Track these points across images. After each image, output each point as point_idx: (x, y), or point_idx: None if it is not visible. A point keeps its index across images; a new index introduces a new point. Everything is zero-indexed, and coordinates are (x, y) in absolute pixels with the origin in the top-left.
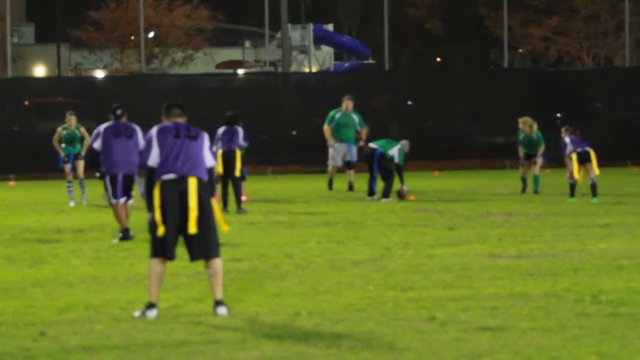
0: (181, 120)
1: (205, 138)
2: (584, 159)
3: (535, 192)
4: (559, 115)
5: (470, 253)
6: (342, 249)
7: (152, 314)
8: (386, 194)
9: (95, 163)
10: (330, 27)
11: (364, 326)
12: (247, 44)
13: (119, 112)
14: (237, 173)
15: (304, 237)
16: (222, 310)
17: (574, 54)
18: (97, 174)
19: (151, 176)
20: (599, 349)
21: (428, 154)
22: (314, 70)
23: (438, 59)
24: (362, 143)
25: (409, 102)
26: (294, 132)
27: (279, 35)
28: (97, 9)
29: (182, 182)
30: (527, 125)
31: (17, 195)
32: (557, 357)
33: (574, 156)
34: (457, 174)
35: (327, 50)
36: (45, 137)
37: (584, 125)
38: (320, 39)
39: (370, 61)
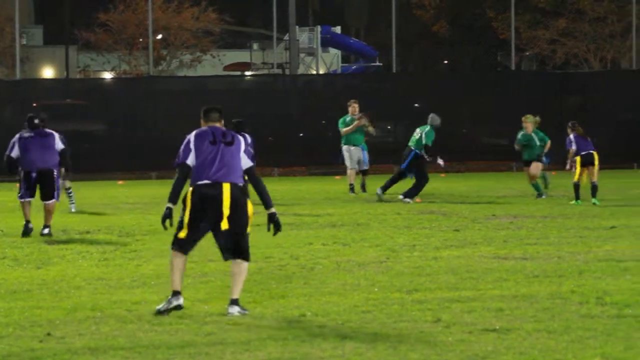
0: (219, 124)
1: (241, 142)
2: (588, 162)
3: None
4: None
5: (476, 255)
6: (347, 250)
7: (177, 301)
8: (409, 194)
9: (13, 171)
10: (337, 29)
11: (369, 328)
12: (255, 46)
13: (36, 121)
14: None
15: (309, 238)
16: (233, 309)
17: (581, 56)
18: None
19: (186, 172)
20: (603, 350)
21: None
22: (321, 72)
23: (445, 61)
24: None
25: (416, 104)
26: (301, 134)
27: (286, 37)
28: (105, 11)
29: (216, 187)
30: (530, 123)
31: None
32: (561, 359)
33: (578, 159)
34: (463, 176)
35: (334, 53)
36: None
37: (591, 128)
38: (327, 42)
39: (378, 63)
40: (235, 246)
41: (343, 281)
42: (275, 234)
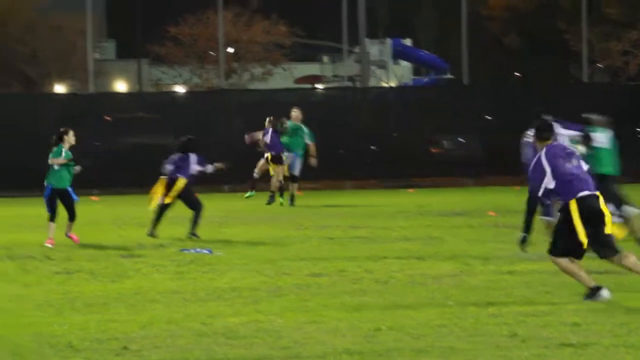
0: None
1: (576, 150)
2: (275, 160)
3: None
4: (639, 129)
5: (551, 269)
6: (421, 264)
7: (604, 293)
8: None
9: None
10: (408, 41)
11: (445, 342)
12: (326, 59)
13: None
14: (169, 200)
15: (383, 252)
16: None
17: None
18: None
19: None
20: None
21: (508, 169)
22: (392, 85)
23: (517, 73)
24: (312, 160)
25: (488, 117)
26: (373, 147)
27: (357, 50)
28: (175, 25)
29: (594, 197)
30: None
31: (99, 211)
32: None
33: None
34: None
35: (405, 65)
36: (127, 152)
37: None
38: (398, 54)
39: (449, 76)
40: (604, 246)
41: (418, 295)
42: None
